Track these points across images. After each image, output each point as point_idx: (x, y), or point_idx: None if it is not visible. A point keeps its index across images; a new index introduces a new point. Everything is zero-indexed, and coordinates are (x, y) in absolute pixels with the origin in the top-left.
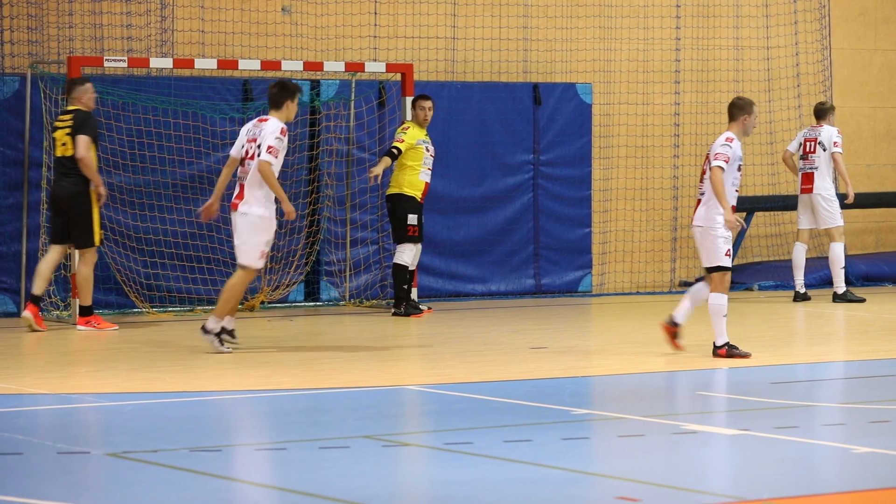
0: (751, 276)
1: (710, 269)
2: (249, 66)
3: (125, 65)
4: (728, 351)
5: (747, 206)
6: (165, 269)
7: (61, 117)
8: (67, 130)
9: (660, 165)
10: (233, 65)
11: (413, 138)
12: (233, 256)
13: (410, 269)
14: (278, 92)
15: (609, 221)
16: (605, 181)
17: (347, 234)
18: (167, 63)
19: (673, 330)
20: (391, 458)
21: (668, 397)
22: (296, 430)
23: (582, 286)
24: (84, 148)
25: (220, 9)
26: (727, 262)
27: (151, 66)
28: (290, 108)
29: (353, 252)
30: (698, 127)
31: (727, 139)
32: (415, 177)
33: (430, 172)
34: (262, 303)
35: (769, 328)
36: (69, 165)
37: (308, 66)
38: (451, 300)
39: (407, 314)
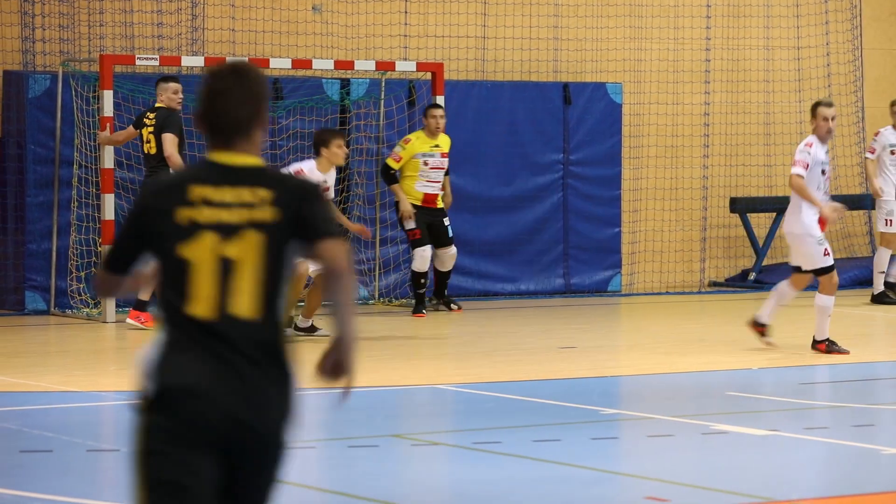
0: (781, 276)
1: (815, 272)
2: (280, 64)
3: (156, 63)
4: (828, 346)
5: (777, 206)
6: None
7: (148, 114)
8: (151, 129)
9: (689, 165)
10: (263, 63)
11: (411, 153)
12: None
13: (422, 271)
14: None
15: (639, 221)
16: (634, 181)
17: (377, 232)
18: (198, 61)
19: (761, 329)
20: (420, 457)
21: (697, 397)
22: (325, 429)
23: (611, 286)
24: (170, 146)
25: (251, 7)
26: (827, 262)
27: (182, 64)
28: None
29: (383, 251)
30: (728, 127)
31: (806, 144)
32: (412, 186)
33: (433, 184)
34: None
35: (799, 328)
36: (153, 163)
37: (338, 64)
38: (480, 299)
39: (416, 312)
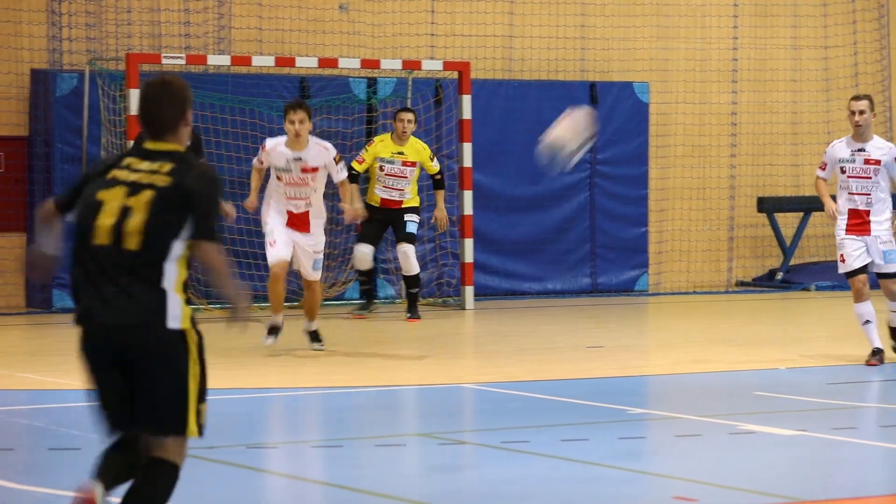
0: (808, 276)
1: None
2: (307, 63)
3: (183, 62)
4: (871, 355)
5: (805, 206)
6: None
7: None
8: None
9: (717, 165)
10: (290, 62)
11: (373, 156)
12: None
13: (361, 269)
14: None
15: (665, 221)
16: (661, 180)
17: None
18: (225, 60)
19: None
20: (447, 456)
21: (724, 397)
22: (352, 428)
23: (638, 285)
24: None
25: (278, 6)
26: (843, 269)
27: (209, 63)
28: None
29: None
30: (755, 126)
31: (831, 143)
32: (372, 189)
33: (391, 190)
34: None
35: (826, 328)
36: None
37: (365, 63)
38: (507, 298)
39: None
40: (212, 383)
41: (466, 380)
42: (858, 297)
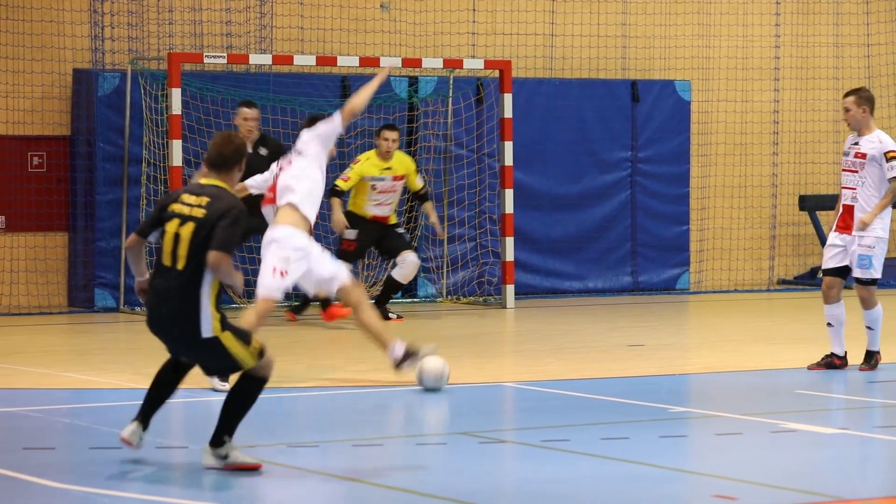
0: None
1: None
2: (348, 62)
3: (224, 61)
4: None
5: (831, 204)
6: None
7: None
8: None
9: (759, 163)
10: (331, 61)
11: (359, 174)
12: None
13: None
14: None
15: (707, 219)
16: (703, 178)
17: (445, 230)
18: (266, 59)
19: None
20: (488, 454)
21: (766, 395)
22: (393, 426)
23: (679, 284)
24: None
25: (319, 5)
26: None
27: (251, 62)
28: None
29: (451, 248)
30: (798, 125)
31: None
32: (362, 206)
33: (383, 206)
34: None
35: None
36: None
37: (406, 62)
38: (548, 297)
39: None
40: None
41: (507, 378)
42: (824, 299)
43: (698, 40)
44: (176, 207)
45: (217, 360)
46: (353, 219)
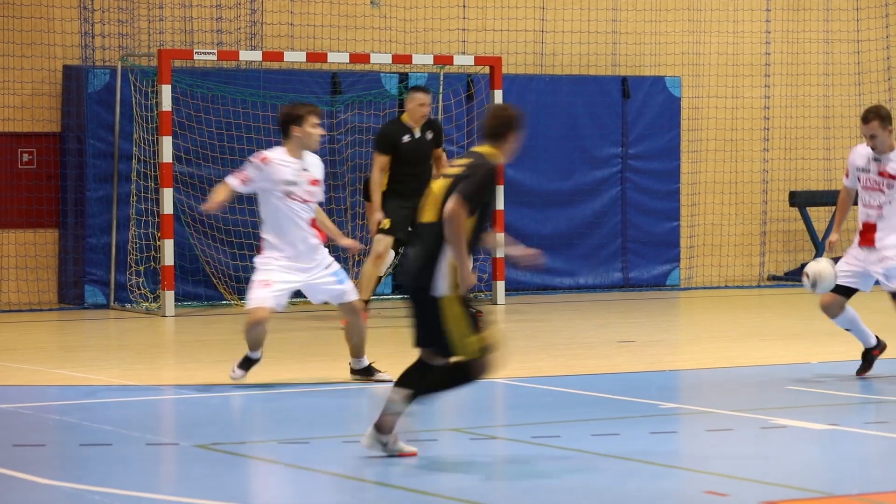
0: None
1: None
2: (338, 58)
3: (215, 58)
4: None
5: (821, 200)
6: (253, 261)
7: None
8: None
9: (749, 159)
10: (322, 58)
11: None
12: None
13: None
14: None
15: (697, 215)
16: (693, 175)
17: None
18: (256, 56)
19: None
20: (479, 451)
21: (756, 391)
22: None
23: (670, 280)
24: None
25: (310, 1)
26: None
27: (241, 58)
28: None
29: None
30: (788, 121)
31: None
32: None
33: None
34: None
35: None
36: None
37: (397, 58)
38: (538, 293)
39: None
40: (261, 378)
41: (498, 375)
42: (827, 314)
43: (688, 36)
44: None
45: (430, 326)
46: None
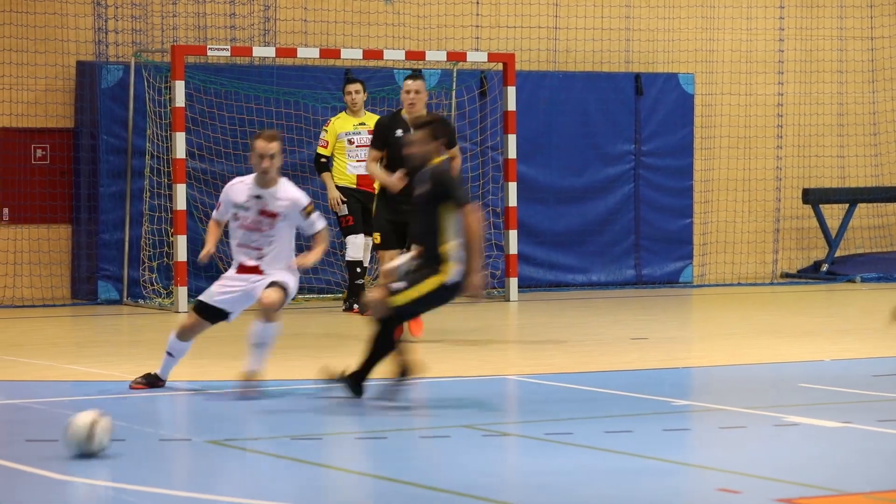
0: (854, 267)
1: None
2: (351, 55)
3: (228, 54)
4: None
5: (850, 197)
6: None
7: None
8: None
9: (762, 156)
10: (335, 54)
11: (335, 133)
12: (341, 246)
13: (356, 260)
14: None
15: (710, 212)
16: (706, 171)
17: None
18: (270, 52)
19: None
20: (491, 447)
21: (769, 389)
22: (396, 419)
23: (683, 277)
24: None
25: None
26: None
27: (254, 54)
28: None
29: None
30: (801, 118)
31: None
32: (343, 169)
33: (361, 164)
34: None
35: (872, 320)
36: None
37: (410, 55)
38: (551, 290)
39: (350, 308)
40: (274, 374)
41: (510, 371)
42: None
43: (702, 33)
44: None
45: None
46: (341, 192)
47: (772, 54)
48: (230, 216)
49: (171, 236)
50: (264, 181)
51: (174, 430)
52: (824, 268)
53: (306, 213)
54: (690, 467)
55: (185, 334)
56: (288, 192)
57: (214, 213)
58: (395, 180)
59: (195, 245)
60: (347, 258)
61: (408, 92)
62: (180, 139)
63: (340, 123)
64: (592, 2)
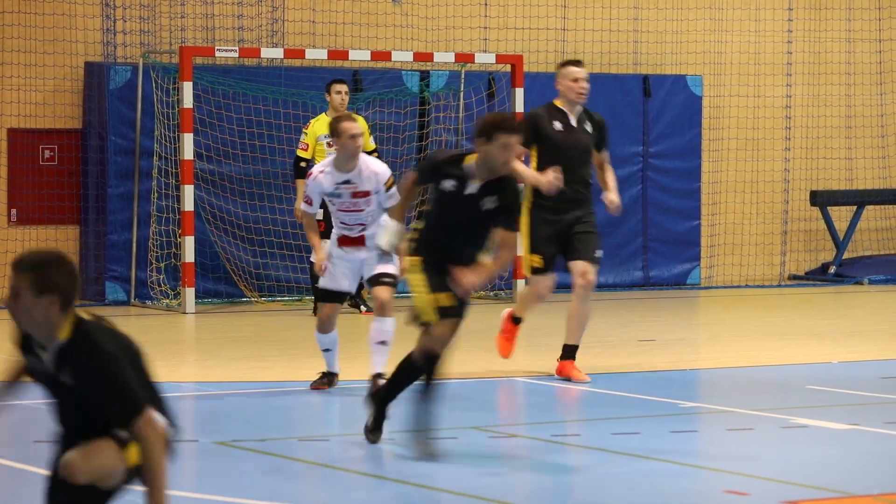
0: (861, 269)
1: None
2: (360, 56)
3: (236, 55)
4: None
5: (858, 199)
6: (274, 258)
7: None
8: None
9: (770, 158)
10: (343, 55)
11: (314, 135)
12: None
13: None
14: None
15: (718, 214)
16: (714, 173)
17: None
18: (278, 53)
19: None
20: (499, 449)
21: (777, 391)
22: (405, 422)
23: (690, 279)
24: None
25: None
26: None
27: (262, 56)
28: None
29: None
30: (809, 120)
31: None
32: None
33: None
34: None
35: (880, 322)
36: None
37: (418, 56)
38: (558, 292)
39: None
40: (263, 376)
41: (517, 373)
42: None
43: (710, 35)
44: None
45: None
46: None
47: (780, 56)
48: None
49: (179, 237)
50: (347, 164)
51: (181, 432)
52: (832, 270)
53: (387, 186)
54: (698, 469)
55: (326, 327)
56: (371, 167)
57: (305, 207)
58: (552, 179)
59: (203, 246)
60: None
61: (576, 80)
62: (188, 140)
63: (320, 125)
64: (601, 3)
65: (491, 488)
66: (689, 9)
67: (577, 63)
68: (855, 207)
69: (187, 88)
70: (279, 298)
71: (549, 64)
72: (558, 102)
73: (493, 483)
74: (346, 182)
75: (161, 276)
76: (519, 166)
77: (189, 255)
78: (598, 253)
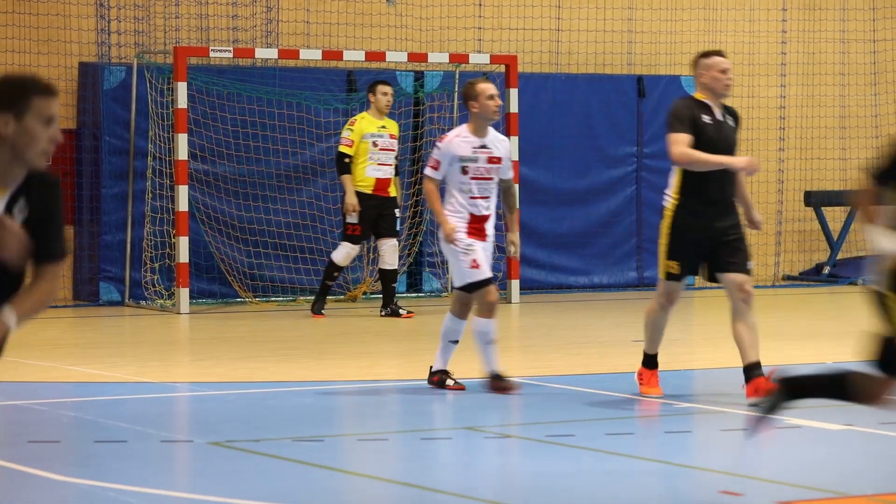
0: (856, 270)
1: None
2: (354, 56)
3: (231, 55)
4: None
5: (837, 200)
6: (269, 258)
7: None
8: None
9: (764, 159)
10: (337, 55)
11: (360, 133)
12: (333, 245)
13: (340, 266)
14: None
15: None
16: None
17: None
18: (272, 53)
19: None
20: (493, 449)
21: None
22: (398, 421)
23: None
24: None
25: None
26: None
27: (256, 56)
28: None
29: None
30: (803, 120)
31: None
32: (362, 171)
33: (384, 167)
34: (365, 293)
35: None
36: None
37: (412, 57)
38: (553, 292)
39: (317, 312)
40: (257, 376)
41: (512, 373)
42: None
43: (704, 35)
44: None
45: None
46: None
47: (774, 57)
48: (454, 171)
49: (173, 238)
50: (483, 129)
51: (176, 432)
52: (826, 270)
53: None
54: (692, 469)
55: (465, 312)
56: (499, 135)
57: (431, 172)
58: (751, 161)
59: (197, 246)
60: (333, 259)
61: (724, 71)
62: (182, 140)
63: (366, 123)
64: (595, 4)
65: (485, 489)
66: (682, 9)
67: (720, 53)
68: (849, 208)
69: (181, 89)
70: (273, 299)
71: (543, 65)
72: (700, 95)
73: (486, 483)
74: (483, 146)
75: (155, 277)
76: (697, 154)
77: (183, 255)
78: (751, 265)
